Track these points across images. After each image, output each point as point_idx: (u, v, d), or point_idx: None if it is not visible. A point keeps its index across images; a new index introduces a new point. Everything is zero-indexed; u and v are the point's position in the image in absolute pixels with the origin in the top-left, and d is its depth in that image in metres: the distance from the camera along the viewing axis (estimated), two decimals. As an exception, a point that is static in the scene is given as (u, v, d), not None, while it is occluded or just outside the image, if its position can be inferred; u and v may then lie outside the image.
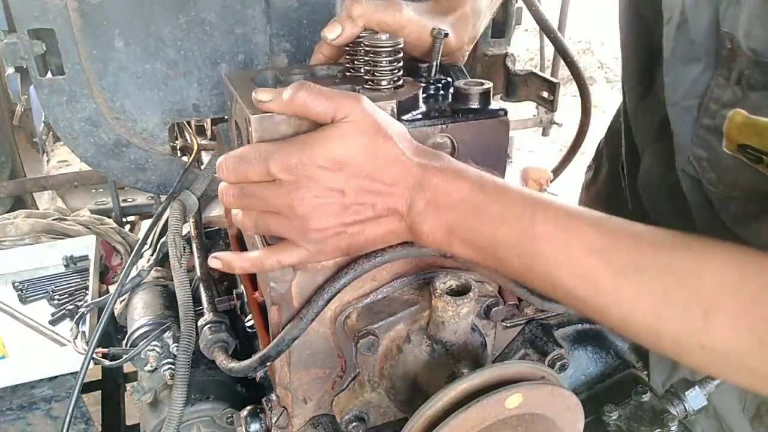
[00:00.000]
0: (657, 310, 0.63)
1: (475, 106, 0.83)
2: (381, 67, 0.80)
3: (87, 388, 1.76)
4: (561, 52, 1.95)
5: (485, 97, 0.83)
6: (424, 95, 0.85)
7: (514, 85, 1.74)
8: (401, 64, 0.82)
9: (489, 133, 0.83)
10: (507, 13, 1.68)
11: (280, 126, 0.72)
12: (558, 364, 0.98)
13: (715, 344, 0.62)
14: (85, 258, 1.78)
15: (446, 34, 0.86)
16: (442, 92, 0.89)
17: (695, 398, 1.01)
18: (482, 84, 0.84)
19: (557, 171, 2.39)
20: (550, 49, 2.54)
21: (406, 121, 0.79)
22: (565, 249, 0.66)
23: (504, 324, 1.03)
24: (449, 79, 0.90)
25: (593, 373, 1.09)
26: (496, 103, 0.86)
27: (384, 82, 0.80)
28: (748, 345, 0.61)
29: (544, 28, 1.86)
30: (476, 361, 0.85)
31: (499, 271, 0.76)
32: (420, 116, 0.81)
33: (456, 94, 0.84)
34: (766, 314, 0.59)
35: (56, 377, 1.38)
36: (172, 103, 1.36)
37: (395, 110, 0.77)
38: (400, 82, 0.83)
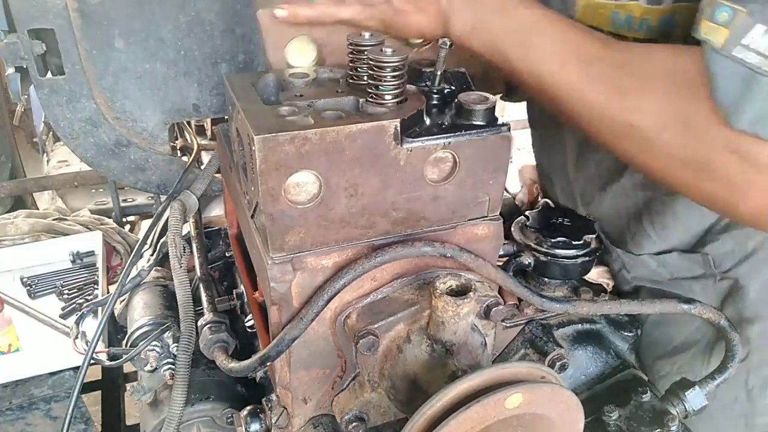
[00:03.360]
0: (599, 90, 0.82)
1: (479, 123, 0.83)
2: (385, 81, 0.79)
3: (87, 388, 1.76)
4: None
5: (489, 113, 0.83)
6: (428, 106, 0.85)
7: (514, 84, 1.73)
8: (405, 78, 0.82)
9: (491, 148, 0.83)
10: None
11: (284, 145, 0.72)
12: (558, 364, 0.98)
13: (641, 122, 0.78)
14: (91, 254, 1.80)
15: (451, 44, 0.86)
16: (445, 102, 0.89)
17: (695, 398, 1.02)
18: (486, 99, 0.84)
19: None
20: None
21: (409, 137, 0.79)
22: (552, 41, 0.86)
23: (504, 324, 1.03)
24: (453, 89, 0.90)
25: (593, 373, 1.10)
26: (498, 104, 0.86)
27: (388, 97, 0.80)
28: (672, 126, 0.76)
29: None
30: (476, 361, 0.85)
31: (502, 65, 0.91)
32: (423, 132, 0.80)
33: (459, 109, 0.84)
34: (691, 98, 0.73)
35: (56, 375, 1.38)
36: (172, 103, 1.36)
37: (398, 128, 0.77)
38: (404, 96, 0.82)
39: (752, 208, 0.76)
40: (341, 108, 0.81)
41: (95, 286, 1.68)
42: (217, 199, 1.58)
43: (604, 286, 1.18)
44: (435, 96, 0.89)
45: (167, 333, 1.16)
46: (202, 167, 1.33)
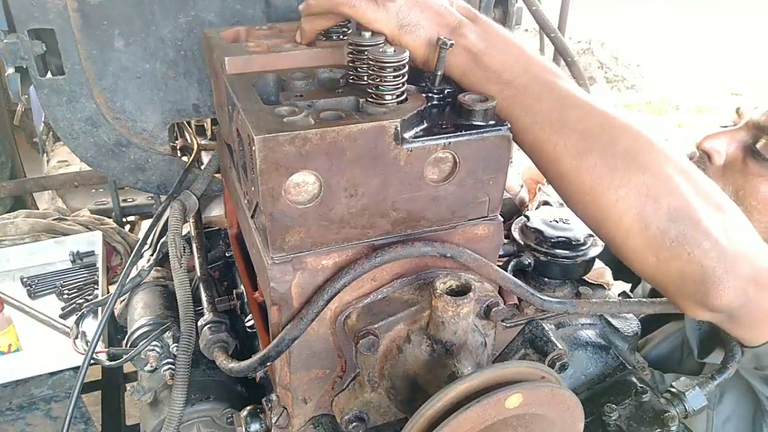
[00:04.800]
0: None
1: (479, 123, 0.82)
2: (385, 81, 0.79)
3: (87, 388, 1.76)
4: (561, 51, 1.94)
5: (489, 113, 0.83)
6: (428, 106, 0.85)
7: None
8: (406, 78, 0.81)
9: (491, 148, 0.83)
10: (507, 13, 1.68)
11: (284, 145, 0.72)
12: (558, 364, 0.98)
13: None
14: (91, 254, 1.80)
15: (452, 44, 0.86)
16: (445, 102, 0.89)
17: (695, 398, 1.02)
18: (486, 99, 0.84)
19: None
20: (549, 49, 2.53)
21: (409, 138, 0.79)
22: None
23: (504, 324, 1.03)
24: (452, 89, 0.90)
25: (593, 373, 1.09)
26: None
27: (388, 97, 0.80)
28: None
29: (545, 27, 1.86)
30: (476, 361, 0.85)
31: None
32: (423, 132, 0.80)
33: (459, 109, 0.84)
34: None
35: (56, 375, 1.38)
36: (172, 103, 1.36)
37: (399, 128, 0.77)
38: (404, 97, 0.82)
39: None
40: (341, 108, 0.81)
41: (95, 286, 1.68)
42: (217, 199, 1.58)
43: (604, 286, 1.18)
44: (435, 96, 0.89)
45: (167, 333, 1.16)
46: (202, 167, 1.33)
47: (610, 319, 1.13)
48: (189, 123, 1.67)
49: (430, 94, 0.88)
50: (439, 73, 0.88)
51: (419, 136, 0.80)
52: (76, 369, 1.38)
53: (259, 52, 0.94)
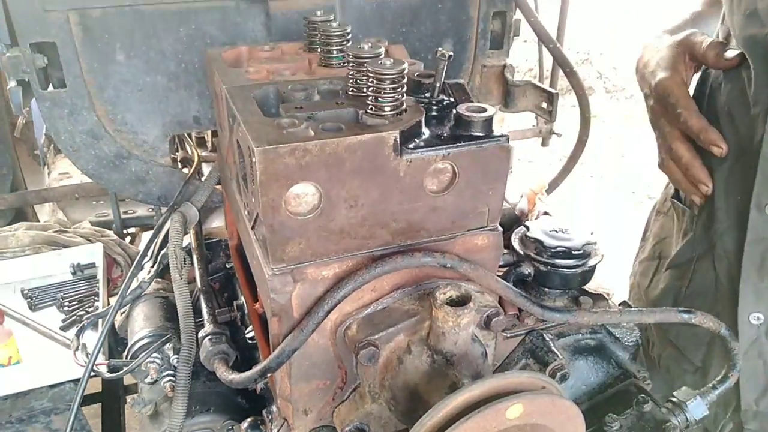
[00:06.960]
0: None
1: (478, 133, 0.83)
2: (384, 93, 0.80)
3: (87, 400, 1.75)
4: (560, 62, 1.96)
5: (487, 124, 0.83)
6: (427, 117, 0.86)
7: (513, 95, 1.74)
8: (405, 89, 0.82)
9: (490, 159, 0.84)
10: (505, 24, 1.69)
11: (284, 157, 0.73)
12: (559, 374, 0.98)
13: None
14: (91, 266, 1.80)
15: (450, 56, 0.86)
16: (444, 113, 0.89)
17: (696, 408, 1.01)
18: (485, 110, 0.84)
19: (556, 181, 2.39)
20: (548, 60, 2.55)
21: (409, 148, 0.79)
22: None
23: (504, 334, 1.03)
24: (452, 100, 0.90)
25: (594, 383, 1.09)
26: (496, 113, 0.87)
27: (387, 109, 0.81)
28: None
29: (543, 38, 1.87)
30: (477, 371, 0.85)
31: None
32: (422, 144, 0.81)
33: (458, 120, 0.85)
34: None
35: (56, 387, 1.38)
36: (172, 115, 1.36)
37: (398, 140, 0.78)
38: (403, 107, 0.83)
39: None
40: (341, 120, 0.81)
41: (96, 298, 1.68)
42: (217, 210, 1.58)
43: (605, 295, 1.18)
44: (434, 107, 0.89)
45: (168, 345, 1.16)
46: (203, 179, 1.33)
47: (610, 328, 1.13)
48: (189, 135, 1.68)
49: (429, 106, 0.89)
50: (437, 84, 0.89)
51: (418, 147, 0.80)
52: (76, 381, 1.37)
53: (259, 79, 0.95)
